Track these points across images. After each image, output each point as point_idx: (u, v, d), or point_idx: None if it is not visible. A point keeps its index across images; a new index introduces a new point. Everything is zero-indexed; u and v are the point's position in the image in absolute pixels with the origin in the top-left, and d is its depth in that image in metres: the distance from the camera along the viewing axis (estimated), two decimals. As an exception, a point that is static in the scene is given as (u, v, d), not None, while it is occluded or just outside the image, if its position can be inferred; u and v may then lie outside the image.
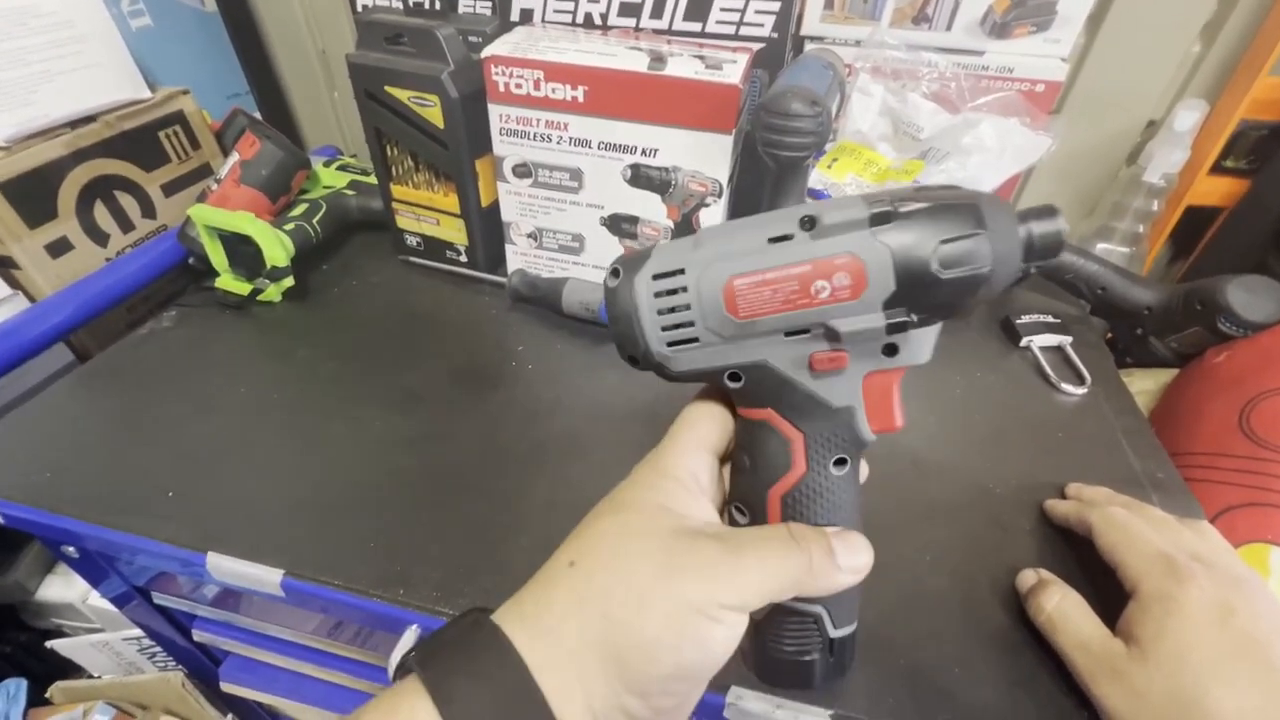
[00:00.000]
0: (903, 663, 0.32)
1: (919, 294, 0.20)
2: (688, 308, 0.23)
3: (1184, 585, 0.28)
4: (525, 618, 0.21)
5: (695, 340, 0.23)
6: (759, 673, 0.27)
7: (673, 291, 0.23)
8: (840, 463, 0.24)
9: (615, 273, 0.24)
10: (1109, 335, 0.61)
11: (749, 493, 0.25)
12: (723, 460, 0.26)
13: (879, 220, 0.20)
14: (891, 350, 0.22)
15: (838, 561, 0.22)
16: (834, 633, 0.25)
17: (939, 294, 0.20)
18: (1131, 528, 0.33)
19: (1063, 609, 0.32)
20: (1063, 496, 0.40)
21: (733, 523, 0.25)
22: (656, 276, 0.23)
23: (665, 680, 0.20)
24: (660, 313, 0.23)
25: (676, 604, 0.20)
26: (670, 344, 0.24)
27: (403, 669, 0.21)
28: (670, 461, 0.24)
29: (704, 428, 0.25)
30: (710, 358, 0.23)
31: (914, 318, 0.20)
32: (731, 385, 0.24)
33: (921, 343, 0.22)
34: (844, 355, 0.22)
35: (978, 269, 0.19)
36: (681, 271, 0.23)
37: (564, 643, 0.20)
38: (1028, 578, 0.35)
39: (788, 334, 0.22)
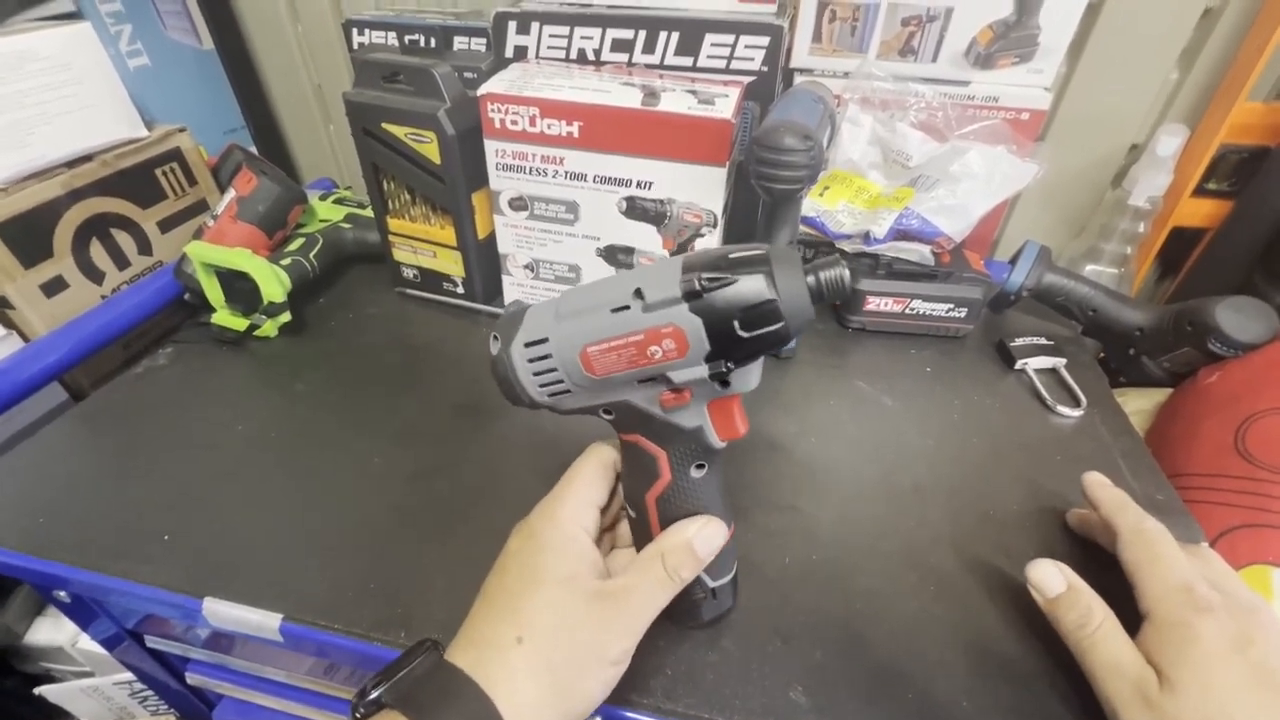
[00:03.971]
0: (911, 696, 0.32)
1: (731, 348, 0.25)
2: (555, 369, 0.28)
3: (1202, 615, 0.28)
4: (494, 682, 0.26)
5: (568, 391, 0.29)
6: (666, 616, 0.33)
7: (541, 357, 0.28)
8: (700, 466, 0.30)
9: (495, 338, 0.29)
10: (1101, 355, 0.61)
11: (633, 496, 0.31)
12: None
13: (690, 297, 0.24)
14: (724, 384, 0.26)
15: (698, 555, 0.29)
16: (712, 584, 0.32)
17: (746, 347, 0.25)
18: (1159, 548, 0.32)
19: (1106, 630, 0.30)
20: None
21: (628, 518, 0.32)
22: (528, 344, 0.28)
23: (591, 711, 0.28)
24: (535, 374, 0.29)
25: (601, 664, 0.27)
26: (549, 394, 0.29)
27: (374, 704, 0.26)
28: (569, 526, 0.30)
29: (593, 489, 0.31)
30: (584, 400, 0.29)
31: (730, 366, 0.25)
32: (606, 417, 0.30)
33: (748, 376, 0.27)
34: (686, 393, 0.27)
35: (773, 326, 0.24)
36: (546, 340, 0.28)
37: (532, 709, 0.26)
38: (1049, 578, 0.32)
39: (640, 381, 0.27)
